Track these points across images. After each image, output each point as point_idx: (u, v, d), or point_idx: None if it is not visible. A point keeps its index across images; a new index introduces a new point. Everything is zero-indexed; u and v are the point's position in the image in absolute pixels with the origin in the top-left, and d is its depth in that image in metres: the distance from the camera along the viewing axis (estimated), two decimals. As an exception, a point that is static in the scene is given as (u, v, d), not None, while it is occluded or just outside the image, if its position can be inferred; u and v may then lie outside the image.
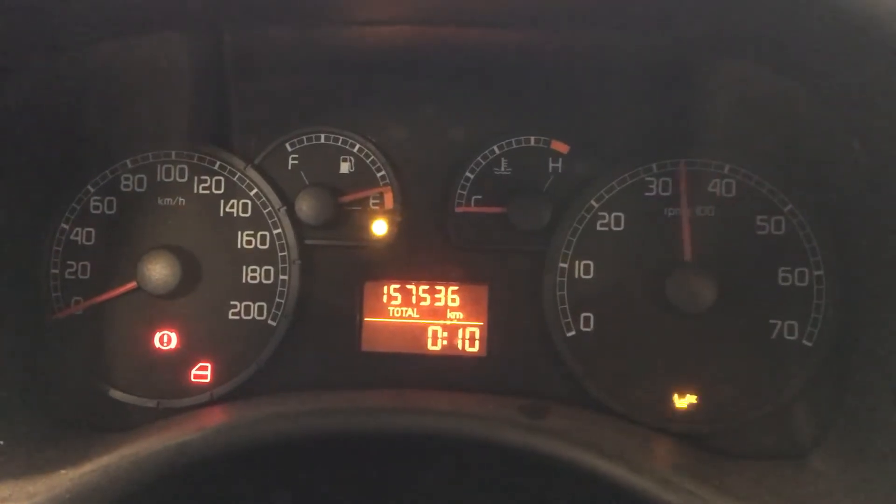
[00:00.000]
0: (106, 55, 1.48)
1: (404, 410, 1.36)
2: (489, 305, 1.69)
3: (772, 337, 1.58)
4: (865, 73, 1.18)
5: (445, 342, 1.69)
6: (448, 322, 1.69)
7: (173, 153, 1.72)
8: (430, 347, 1.69)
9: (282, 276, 1.69)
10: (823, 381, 1.55)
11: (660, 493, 1.16)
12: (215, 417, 1.48)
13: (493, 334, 1.68)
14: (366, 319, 1.70)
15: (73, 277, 1.70)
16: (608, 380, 1.61)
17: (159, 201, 1.71)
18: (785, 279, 1.58)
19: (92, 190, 1.72)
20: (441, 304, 1.70)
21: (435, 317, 1.70)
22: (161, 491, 1.24)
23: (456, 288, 1.70)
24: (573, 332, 1.63)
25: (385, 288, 1.71)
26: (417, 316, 1.70)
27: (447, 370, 1.68)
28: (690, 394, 1.59)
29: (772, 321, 1.58)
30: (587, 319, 1.64)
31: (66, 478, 1.21)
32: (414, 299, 1.70)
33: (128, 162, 1.72)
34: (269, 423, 1.30)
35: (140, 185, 1.72)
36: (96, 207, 1.72)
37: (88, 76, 1.55)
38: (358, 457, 1.43)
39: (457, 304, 1.69)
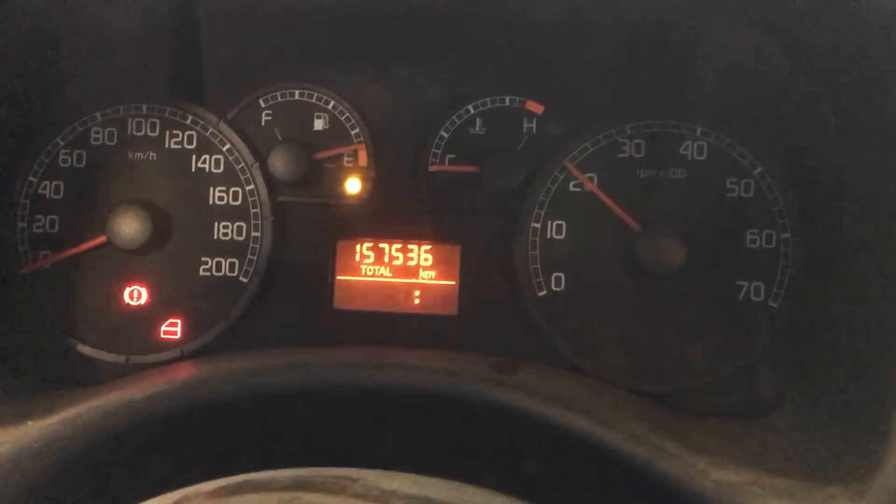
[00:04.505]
0: (78, 3, 1.45)
1: (373, 365, 1.36)
2: (461, 265, 1.69)
3: (738, 298, 1.60)
4: (848, 50, 1.18)
5: (417, 301, 1.70)
6: (420, 281, 1.70)
7: (144, 107, 1.70)
8: (403, 306, 1.70)
9: (254, 233, 1.69)
10: (787, 342, 1.57)
11: (625, 446, 1.18)
12: (185, 371, 1.48)
13: (464, 294, 1.69)
14: (338, 277, 1.70)
15: (41, 231, 1.68)
16: (578, 339, 1.63)
17: (130, 155, 1.69)
18: (752, 241, 1.61)
19: (61, 143, 1.69)
20: (413, 263, 1.70)
21: (407, 276, 1.70)
22: (129, 443, 1.23)
23: (428, 247, 1.70)
24: (544, 292, 1.65)
25: (358, 246, 1.71)
26: (390, 275, 1.70)
27: (419, 329, 1.69)
28: (658, 353, 1.61)
29: (738, 283, 1.60)
30: (558, 279, 1.65)
31: (34, 428, 1.20)
32: (386, 258, 1.70)
33: (98, 115, 1.70)
34: (238, 376, 1.29)
35: (110, 139, 1.70)
36: (65, 161, 1.69)
37: (58, 26, 1.51)
38: (327, 413, 1.43)
39: (429, 263, 1.70)
